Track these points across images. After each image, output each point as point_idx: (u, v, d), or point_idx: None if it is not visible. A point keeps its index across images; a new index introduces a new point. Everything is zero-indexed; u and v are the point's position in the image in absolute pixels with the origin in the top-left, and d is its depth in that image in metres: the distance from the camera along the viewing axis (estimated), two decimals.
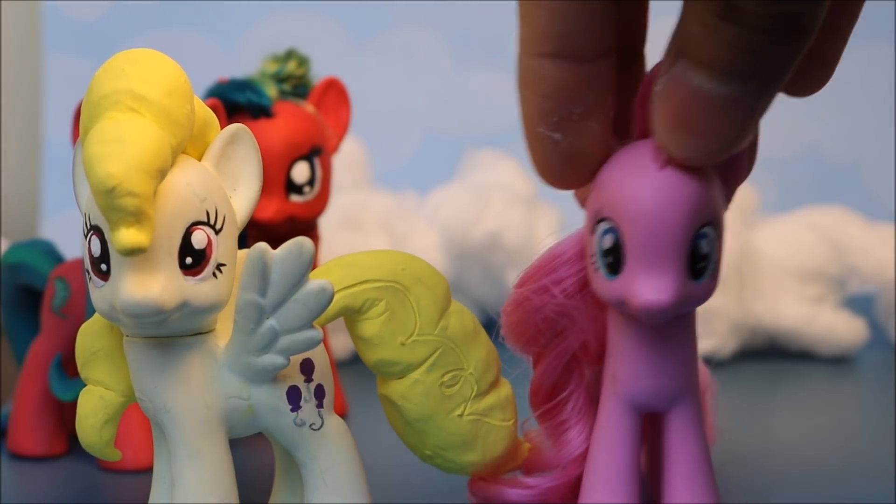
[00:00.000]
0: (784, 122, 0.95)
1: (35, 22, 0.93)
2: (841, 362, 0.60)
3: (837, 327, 0.60)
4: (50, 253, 0.46)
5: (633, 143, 0.29)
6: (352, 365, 0.60)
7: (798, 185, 0.92)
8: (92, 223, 0.28)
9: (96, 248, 0.28)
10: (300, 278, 0.28)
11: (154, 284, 0.27)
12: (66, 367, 0.43)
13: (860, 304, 0.64)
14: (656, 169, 0.28)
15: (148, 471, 0.41)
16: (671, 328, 0.30)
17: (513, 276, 0.65)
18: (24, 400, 0.44)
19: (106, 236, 0.27)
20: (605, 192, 0.29)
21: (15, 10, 0.92)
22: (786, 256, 0.61)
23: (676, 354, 0.30)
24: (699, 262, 0.28)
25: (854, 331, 0.61)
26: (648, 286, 0.28)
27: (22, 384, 0.44)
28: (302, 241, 0.28)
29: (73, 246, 0.47)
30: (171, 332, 0.29)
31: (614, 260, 0.29)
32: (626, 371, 0.30)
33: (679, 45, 0.26)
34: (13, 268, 0.46)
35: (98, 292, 0.28)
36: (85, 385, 0.42)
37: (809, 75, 0.30)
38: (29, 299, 0.47)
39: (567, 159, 0.28)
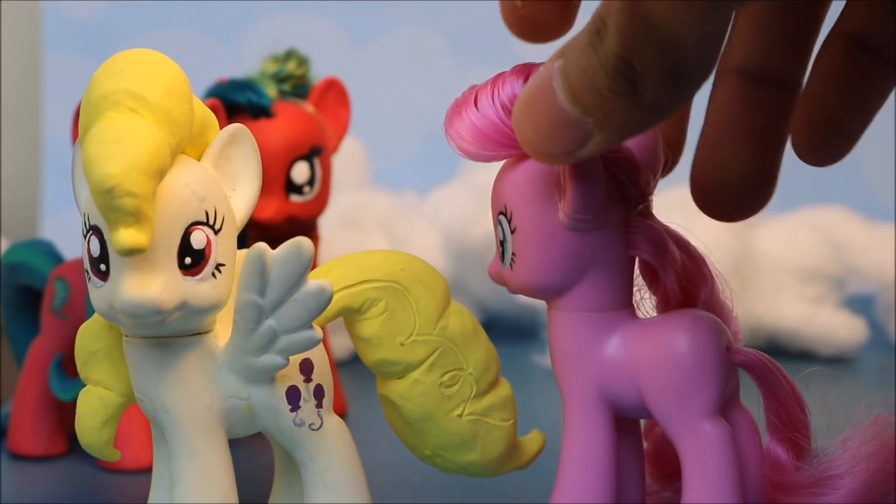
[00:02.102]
0: None
1: (35, 22, 0.93)
2: (841, 362, 0.60)
3: (837, 327, 0.60)
4: (50, 253, 0.46)
5: None
6: (352, 365, 0.60)
7: (798, 185, 0.92)
8: (91, 223, 0.28)
9: (95, 249, 0.28)
10: (299, 278, 0.28)
11: (153, 284, 0.27)
12: (66, 367, 0.43)
13: (860, 304, 0.64)
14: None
15: (147, 471, 0.41)
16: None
17: None
18: (24, 400, 0.44)
19: (105, 236, 0.27)
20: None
21: (15, 10, 0.92)
22: (786, 256, 0.61)
23: None
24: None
25: (854, 331, 0.61)
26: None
27: (22, 384, 0.44)
28: (301, 242, 0.28)
29: (72, 246, 0.47)
30: (170, 332, 0.29)
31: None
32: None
33: (565, 48, 0.26)
34: (13, 268, 0.46)
35: (97, 292, 0.28)
36: (84, 385, 0.42)
37: (829, 145, 0.30)
38: (29, 299, 0.47)
39: (524, 24, 0.29)
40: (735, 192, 0.31)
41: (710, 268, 0.31)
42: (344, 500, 0.31)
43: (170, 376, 0.29)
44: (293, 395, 0.30)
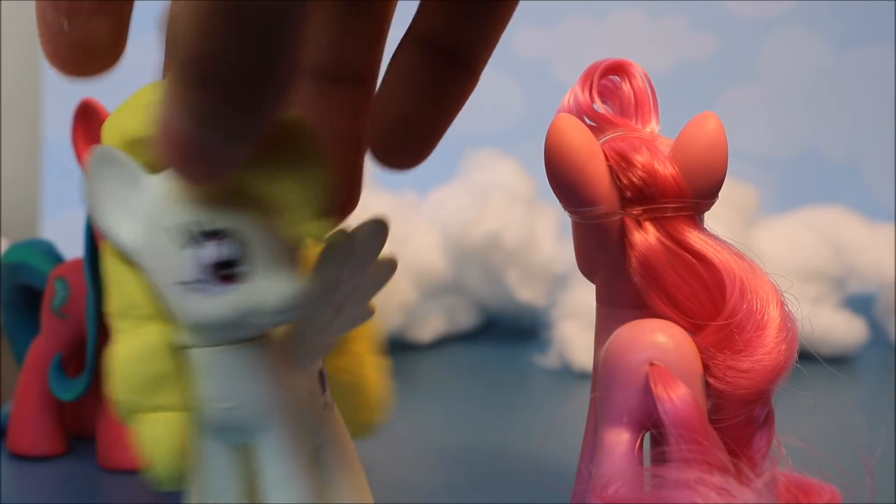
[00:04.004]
0: (784, 122, 0.95)
1: (35, 22, 0.93)
2: (841, 362, 0.60)
3: (837, 327, 0.60)
4: (50, 253, 0.46)
5: None
6: None
7: (798, 185, 0.92)
8: (209, 229, 0.27)
9: (224, 253, 0.27)
10: (377, 256, 0.29)
11: (295, 277, 0.27)
12: (66, 367, 0.43)
13: (860, 304, 0.64)
14: None
15: None
16: None
17: (512, 276, 0.65)
18: (24, 400, 0.44)
19: (245, 237, 0.27)
20: None
21: (15, 10, 0.92)
22: (786, 256, 0.61)
23: None
24: None
25: (854, 331, 0.61)
26: None
27: (22, 384, 0.44)
28: (381, 219, 0.29)
29: (73, 246, 0.47)
30: (258, 334, 0.28)
31: None
32: None
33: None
34: (13, 268, 0.46)
35: (222, 299, 0.27)
36: (84, 386, 0.42)
37: (406, 148, 0.30)
38: (29, 299, 0.47)
39: (74, 51, 0.27)
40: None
41: (735, 298, 0.29)
42: (357, 469, 0.31)
43: (269, 378, 0.28)
44: (322, 378, 0.31)
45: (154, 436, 0.28)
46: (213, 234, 0.27)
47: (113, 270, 0.28)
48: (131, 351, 0.28)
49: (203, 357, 0.28)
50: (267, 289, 0.27)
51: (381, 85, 0.30)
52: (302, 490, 0.29)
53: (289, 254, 0.27)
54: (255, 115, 0.23)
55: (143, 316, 0.27)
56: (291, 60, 0.22)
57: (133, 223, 0.27)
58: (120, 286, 0.27)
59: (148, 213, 0.27)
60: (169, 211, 0.27)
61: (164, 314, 0.28)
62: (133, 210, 0.27)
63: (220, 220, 0.27)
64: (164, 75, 0.25)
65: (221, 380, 0.28)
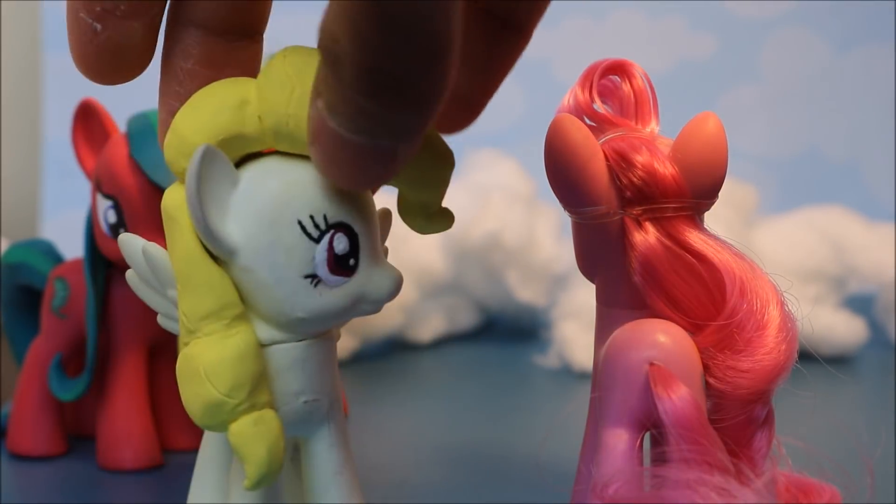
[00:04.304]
0: (784, 122, 0.95)
1: (35, 22, 0.93)
2: (841, 362, 0.60)
3: (837, 327, 0.60)
4: (50, 253, 0.46)
5: None
6: (352, 365, 0.60)
7: (798, 185, 0.92)
8: (332, 222, 0.28)
9: (343, 246, 0.28)
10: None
11: (391, 267, 0.29)
12: (66, 367, 0.43)
13: (860, 304, 0.64)
14: None
15: (147, 470, 0.41)
16: None
17: (512, 276, 0.65)
18: (24, 400, 0.44)
19: (357, 228, 0.28)
20: None
21: (15, 10, 0.92)
22: (786, 256, 0.61)
23: None
24: None
25: (854, 331, 0.61)
26: None
27: (22, 384, 0.44)
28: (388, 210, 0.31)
29: (73, 246, 0.47)
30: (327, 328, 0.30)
31: None
32: None
33: (317, 85, 0.25)
34: (13, 268, 0.46)
35: (338, 290, 0.28)
36: (84, 386, 0.42)
37: (452, 116, 0.29)
38: (29, 299, 0.47)
39: (104, 53, 0.27)
40: None
41: (735, 298, 0.29)
42: (353, 466, 0.31)
43: (336, 370, 0.30)
44: None
45: (262, 433, 0.27)
46: (338, 227, 0.28)
47: (204, 272, 0.27)
48: (236, 351, 0.27)
49: (293, 352, 0.28)
50: (373, 280, 0.28)
51: None
52: (353, 479, 0.30)
53: (381, 246, 0.29)
54: (425, 116, 0.24)
55: (236, 316, 0.27)
56: (452, 58, 0.23)
57: (237, 221, 0.27)
58: (213, 287, 0.27)
59: (265, 209, 0.27)
60: (297, 205, 0.27)
61: (251, 313, 0.28)
62: (236, 208, 0.27)
63: (341, 214, 0.28)
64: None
65: (310, 373, 0.29)
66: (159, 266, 0.28)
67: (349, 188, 0.27)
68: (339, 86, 0.23)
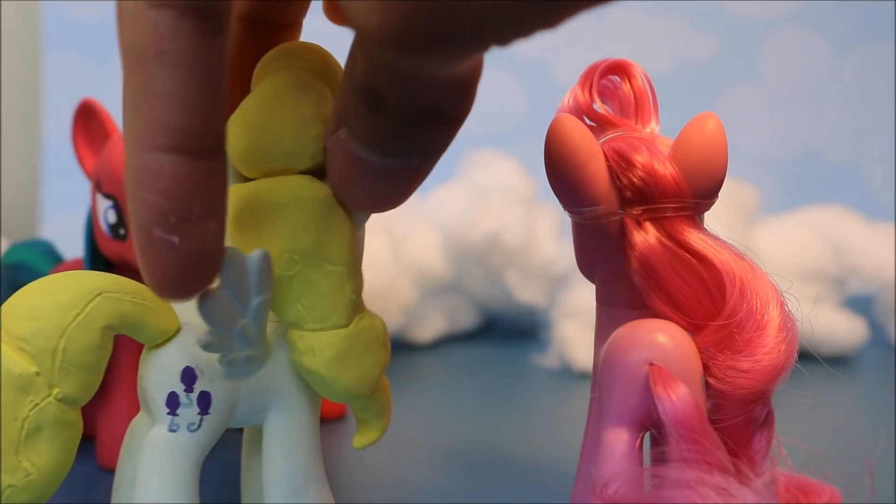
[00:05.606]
0: (784, 122, 0.95)
1: (35, 22, 0.93)
2: (841, 362, 0.60)
3: (837, 327, 0.60)
4: (50, 253, 0.46)
5: None
6: None
7: (798, 185, 0.92)
8: None
9: None
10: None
11: None
12: None
13: (860, 304, 0.64)
14: None
15: None
16: None
17: (512, 276, 0.65)
18: None
19: None
20: None
21: (15, 10, 0.92)
22: (786, 256, 0.61)
23: None
24: None
25: (854, 331, 0.61)
26: None
27: None
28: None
29: (73, 246, 0.47)
30: None
31: None
32: None
33: (341, 115, 0.26)
34: (13, 268, 0.46)
35: None
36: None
37: None
38: None
39: (187, 264, 0.25)
40: None
41: (735, 299, 0.29)
42: None
43: None
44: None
45: (387, 400, 0.32)
46: None
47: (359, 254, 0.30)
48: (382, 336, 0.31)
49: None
50: None
51: None
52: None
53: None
54: (455, 131, 0.26)
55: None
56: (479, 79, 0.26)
57: None
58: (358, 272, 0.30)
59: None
60: None
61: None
62: None
63: None
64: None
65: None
66: (264, 270, 0.28)
67: (371, 211, 0.29)
68: (379, 117, 0.25)
